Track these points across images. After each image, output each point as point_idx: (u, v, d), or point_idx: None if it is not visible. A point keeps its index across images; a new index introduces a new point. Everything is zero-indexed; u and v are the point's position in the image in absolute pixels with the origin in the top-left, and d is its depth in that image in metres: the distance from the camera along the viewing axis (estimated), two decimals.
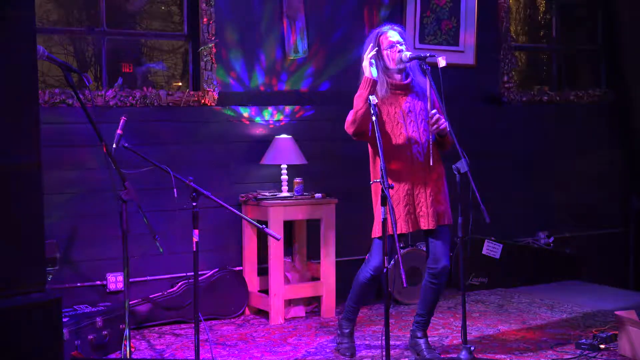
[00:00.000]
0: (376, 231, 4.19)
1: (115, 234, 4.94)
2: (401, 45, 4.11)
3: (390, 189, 4.05)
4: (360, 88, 4.03)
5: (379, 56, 4.09)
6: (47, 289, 2.74)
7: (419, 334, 4.28)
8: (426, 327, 4.31)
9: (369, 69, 4.01)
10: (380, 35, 4.14)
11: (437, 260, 4.18)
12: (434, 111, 4.07)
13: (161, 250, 3.88)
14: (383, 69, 4.12)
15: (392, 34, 4.13)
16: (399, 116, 4.11)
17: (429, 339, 4.32)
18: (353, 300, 4.40)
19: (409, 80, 4.18)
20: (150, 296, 5.03)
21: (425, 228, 4.13)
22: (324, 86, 5.77)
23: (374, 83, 4.00)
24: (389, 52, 4.10)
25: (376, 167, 4.18)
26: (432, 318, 5.09)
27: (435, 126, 4.05)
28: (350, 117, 4.10)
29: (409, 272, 5.44)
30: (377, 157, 4.14)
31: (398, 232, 4.11)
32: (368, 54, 4.02)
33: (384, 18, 5.87)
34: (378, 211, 4.14)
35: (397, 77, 4.16)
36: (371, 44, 4.07)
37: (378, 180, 3.73)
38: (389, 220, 3.63)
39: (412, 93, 4.18)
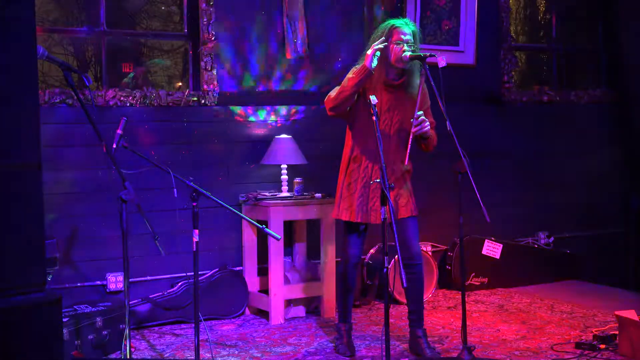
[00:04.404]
0: (334, 212, 4.34)
1: (115, 234, 4.94)
2: (408, 45, 4.12)
3: (350, 178, 4.16)
4: (355, 72, 4.08)
5: (385, 47, 4.11)
6: (47, 289, 2.74)
7: (418, 333, 4.28)
8: (422, 321, 4.30)
9: (370, 58, 4.03)
10: (394, 28, 4.16)
11: (407, 247, 4.23)
12: (420, 112, 4.10)
13: (162, 251, 3.88)
14: (384, 60, 4.14)
15: (406, 31, 4.15)
16: (377, 109, 4.15)
17: (429, 338, 4.33)
18: (343, 299, 4.44)
19: (400, 81, 4.20)
20: (150, 296, 5.04)
21: (375, 222, 4.20)
22: (325, 86, 5.76)
23: (369, 73, 4.03)
24: (395, 47, 4.12)
25: (346, 147, 4.35)
26: (433, 318, 5.11)
27: (418, 127, 4.09)
28: (333, 93, 4.16)
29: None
30: (350, 136, 4.31)
31: (346, 219, 4.23)
32: (376, 44, 4.04)
33: (383, 18, 5.86)
34: (340, 190, 4.33)
35: (392, 73, 4.20)
36: (383, 37, 4.10)
37: (378, 181, 3.75)
38: (389, 220, 3.65)
39: (399, 92, 4.21)
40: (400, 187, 4.28)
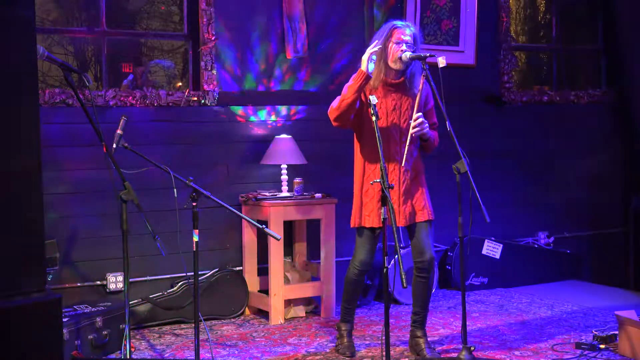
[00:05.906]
0: (354, 221, 4.26)
1: (115, 234, 4.94)
2: (407, 46, 4.11)
3: (367, 184, 4.17)
4: (353, 79, 4.07)
5: (384, 48, 4.12)
6: (47, 289, 2.74)
7: (418, 334, 4.28)
8: (424, 324, 4.31)
9: (366, 63, 4.03)
10: (394, 29, 4.16)
11: (421, 253, 4.21)
12: (419, 114, 4.10)
13: (162, 251, 3.87)
14: (384, 61, 4.14)
15: (407, 32, 4.15)
16: (382, 111, 4.14)
17: (428, 338, 4.33)
18: (346, 301, 4.42)
19: (400, 79, 4.20)
20: (150, 296, 5.03)
21: (398, 225, 4.16)
22: (324, 86, 5.76)
23: (367, 77, 4.03)
24: (393, 47, 4.12)
25: (357, 155, 4.27)
26: (433, 318, 5.11)
27: (416, 129, 4.08)
28: (335, 103, 4.14)
29: (408, 272, 5.43)
30: (360, 144, 4.25)
31: (369, 226, 4.19)
32: (371, 49, 4.04)
33: (383, 18, 5.86)
34: (359, 197, 4.24)
35: (392, 73, 4.19)
36: (377, 40, 4.10)
37: (378, 181, 3.74)
38: (389, 220, 3.64)
39: (403, 91, 4.21)
40: (417, 190, 4.25)
